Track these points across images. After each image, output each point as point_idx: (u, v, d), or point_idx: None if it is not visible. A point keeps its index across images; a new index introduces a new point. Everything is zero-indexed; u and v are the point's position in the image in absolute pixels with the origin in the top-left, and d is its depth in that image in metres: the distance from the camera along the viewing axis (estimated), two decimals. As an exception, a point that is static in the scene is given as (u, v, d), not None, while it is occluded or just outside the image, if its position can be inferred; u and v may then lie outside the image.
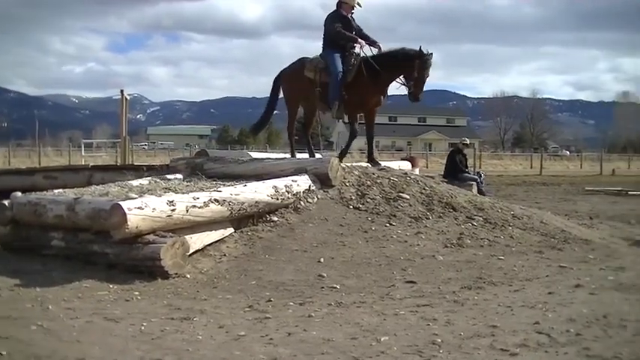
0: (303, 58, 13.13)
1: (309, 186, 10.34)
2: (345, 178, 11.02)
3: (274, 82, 13.71)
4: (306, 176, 10.45)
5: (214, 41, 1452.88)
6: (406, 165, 14.93)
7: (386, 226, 9.87)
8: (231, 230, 9.04)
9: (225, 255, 8.49)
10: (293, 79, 13.09)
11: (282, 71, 13.55)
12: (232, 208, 8.73)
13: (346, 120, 13.27)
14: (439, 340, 5.44)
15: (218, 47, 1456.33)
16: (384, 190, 10.97)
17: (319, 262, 8.37)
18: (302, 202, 10.02)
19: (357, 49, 12.42)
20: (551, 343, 5.46)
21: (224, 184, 9.87)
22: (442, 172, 20.10)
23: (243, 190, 9.15)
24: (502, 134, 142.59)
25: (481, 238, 9.93)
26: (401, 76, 12.21)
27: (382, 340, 5.45)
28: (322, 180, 10.59)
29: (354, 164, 12.65)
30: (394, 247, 9.18)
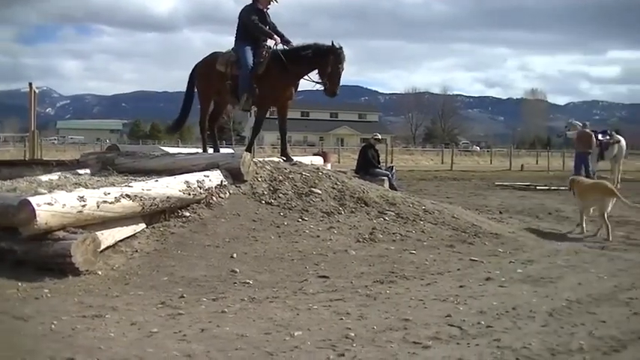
0: (215, 52, 13.09)
1: (221, 181, 10.30)
2: (257, 173, 11.02)
3: (190, 76, 13.60)
4: (218, 171, 10.42)
5: (126, 34, 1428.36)
6: (318, 160, 15.00)
7: (298, 221, 9.90)
8: (142, 226, 8.95)
9: (136, 251, 8.40)
10: (205, 73, 13.02)
11: (195, 65, 13.46)
12: (144, 204, 8.65)
13: (255, 113, 13.25)
14: (352, 334, 5.50)
15: (129, 40, 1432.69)
16: (296, 185, 11.00)
17: (232, 257, 8.36)
18: (214, 198, 9.98)
19: (269, 43, 12.42)
20: (463, 335, 5.59)
21: (135, 179, 9.77)
22: (354, 168, 20.18)
23: (155, 185, 9.07)
24: (413, 130, 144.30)
25: (393, 233, 10.04)
26: (314, 73, 12.22)
27: (296, 334, 5.49)
28: (234, 175, 10.57)
29: (266, 159, 12.65)
30: (307, 242, 9.22)
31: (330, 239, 9.42)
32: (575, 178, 14.04)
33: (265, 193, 10.59)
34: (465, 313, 6.27)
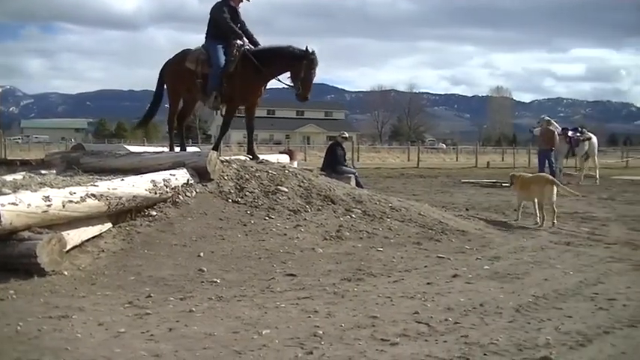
0: (185, 49, 13.02)
1: (188, 180, 10.27)
2: (223, 172, 11.00)
3: (159, 74, 13.55)
4: (185, 170, 10.38)
5: (90, 32, 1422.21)
6: (285, 158, 14.98)
7: (265, 219, 9.90)
8: (109, 225, 8.90)
9: (103, 251, 8.34)
10: (175, 70, 12.95)
11: (165, 63, 13.40)
12: (110, 203, 8.59)
13: (224, 112, 13.16)
14: (320, 332, 5.51)
15: (94, 39, 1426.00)
16: (262, 184, 11.00)
17: (199, 256, 8.33)
18: (181, 197, 9.94)
19: (239, 42, 12.33)
20: (431, 332, 5.63)
21: (101, 179, 9.70)
22: (320, 165, 20.20)
23: (121, 185, 9.02)
24: (380, 127, 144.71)
25: (360, 231, 10.07)
26: (285, 75, 12.27)
27: (264, 333, 5.49)
28: (201, 174, 10.54)
29: (232, 157, 12.63)
30: (274, 240, 9.22)
31: (297, 237, 9.43)
32: (516, 174, 14.39)
33: (232, 191, 10.57)
34: (432, 310, 6.31)
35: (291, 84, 12.25)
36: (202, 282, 7.39)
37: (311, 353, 5.06)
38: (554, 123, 26.60)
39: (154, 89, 13.56)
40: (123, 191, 8.88)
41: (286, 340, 5.34)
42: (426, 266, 8.45)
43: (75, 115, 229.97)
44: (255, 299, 6.67)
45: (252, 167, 11.57)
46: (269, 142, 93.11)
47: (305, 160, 39.73)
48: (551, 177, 13.94)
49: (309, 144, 78.65)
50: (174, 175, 10.08)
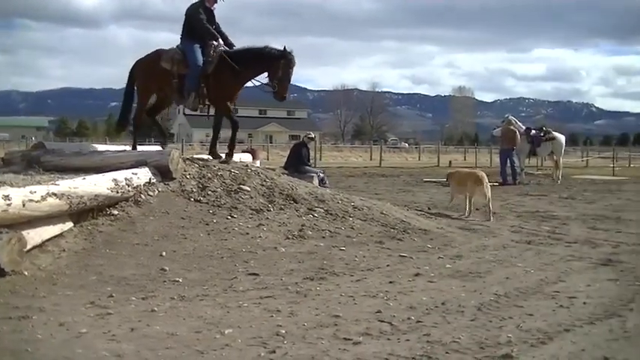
0: (159, 49, 12.96)
1: (150, 179, 10.23)
2: (185, 171, 10.97)
3: (130, 73, 13.46)
4: (147, 169, 10.33)
5: (51, 30, 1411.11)
6: (247, 157, 14.99)
7: (227, 218, 9.88)
8: (70, 225, 8.82)
9: (64, 250, 8.26)
10: (148, 69, 12.88)
11: (136, 62, 13.35)
12: (71, 202, 8.51)
13: (214, 113, 12.98)
14: (283, 331, 5.52)
15: (55, 36, 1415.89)
16: (225, 183, 10.98)
17: (161, 255, 8.29)
18: (143, 195, 9.88)
19: (215, 43, 12.33)
20: (393, 330, 5.65)
21: (62, 178, 9.61)
22: (283, 165, 20.22)
23: (83, 184, 8.93)
24: (342, 126, 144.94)
25: (322, 230, 10.09)
26: (262, 75, 12.31)
27: (226, 332, 5.48)
28: (163, 172, 10.50)
29: (194, 156, 12.60)
30: (236, 239, 9.20)
31: (260, 236, 9.42)
32: (452, 171, 15.54)
33: (194, 190, 10.54)
34: (394, 309, 6.34)
35: (268, 83, 12.28)
36: (164, 281, 7.35)
37: (273, 352, 5.06)
38: (517, 122, 26.80)
39: (120, 87, 13.50)
40: (84, 190, 8.81)
41: (249, 339, 5.33)
42: (388, 265, 8.48)
43: (36, 113, 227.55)
44: (218, 299, 6.65)
45: (214, 166, 11.56)
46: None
47: (267, 159, 39.78)
48: (482, 174, 14.43)
49: (271, 143, 78.51)
50: (136, 173, 10.01)
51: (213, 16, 12.74)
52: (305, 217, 10.53)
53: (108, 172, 9.87)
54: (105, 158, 11.03)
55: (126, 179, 9.70)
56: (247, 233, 9.47)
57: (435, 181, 25.97)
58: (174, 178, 10.60)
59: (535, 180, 27.19)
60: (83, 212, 9.04)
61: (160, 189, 10.24)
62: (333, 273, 7.92)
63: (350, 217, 10.93)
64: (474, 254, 9.49)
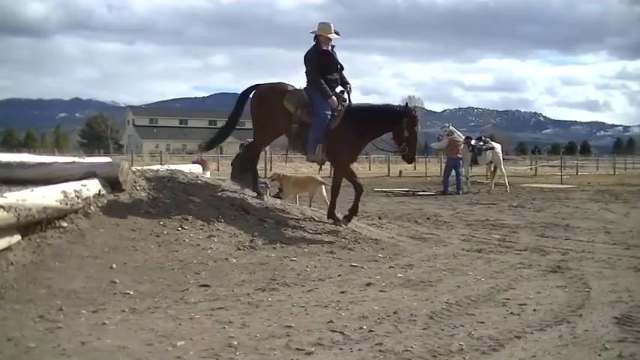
0: (282, 83, 12.43)
1: (100, 190, 10.12)
2: (135, 182, 10.89)
3: (240, 98, 12.96)
4: (97, 180, 10.22)
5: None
6: (197, 168, 14.93)
7: (178, 229, 9.82)
8: (18, 237, 8.68)
9: (12, 264, 8.12)
10: (269, 104, 12.26)
11: (256, 88, 12.73)
12: (19, 215, 8.38)
13: (334, 173, 12.96)
14: (235, 343, 5.51)
15: (0, 46, 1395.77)
16: (175, 194, 10.93)
17: (111, 268, 8.20)
18: (92, 207, 9.77)
19: (338, 90, 11.91)
20: (345, 340, 5.67)
21: (10, 190, 9.49)
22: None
23: (31, 196, 8.81)
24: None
25: (273, 240, 10.10)
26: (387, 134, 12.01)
27: (178, 345, 5.45)
28: (113, 184, 10.40)
29: (144, 168, 12.52)
30: (187, 250, 9.16)
31: (211, 247, 9.39)
32: (281, 174, 16.52)
33: (144, 202, 10.47)
34: (346, 319, 6.36)
35: (396, 145, 11.94)
36: (115, 294, 7.29)
37: (226, 364, 5.05)
38: (458, 132, 27.27)
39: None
40: (33, 202, 8.69)
41: (201, 351, 5.32)
42: (339, 275, 8.51)
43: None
44: (169, 311, 6.61)
45: (164, 178, 11.50)
46: (182, 152, 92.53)
47: (218, 170, 39.62)
48: (317, 178, 15.44)
49: (221, 154, 78.25)
50: (85, 185, 9.90)
51: (333, 56, 12.12)
52: (256, 227, 10.53)
53: (57, 184, 9.76)
54: (53, 170, 10.89)
55: (75, 191, 9.59)
56: (198, 244, 9.43)
57: (385, 191, 26.12)
58: (124, 190, 10.50)
59: (485, 188, 27.51)
60: (31, 225, 8.90)
61: (109, 200, 10.15)
62: (285, 283, 7.92)
63: (301, 227, 10.94)
64: (425, 263, 9.54)
